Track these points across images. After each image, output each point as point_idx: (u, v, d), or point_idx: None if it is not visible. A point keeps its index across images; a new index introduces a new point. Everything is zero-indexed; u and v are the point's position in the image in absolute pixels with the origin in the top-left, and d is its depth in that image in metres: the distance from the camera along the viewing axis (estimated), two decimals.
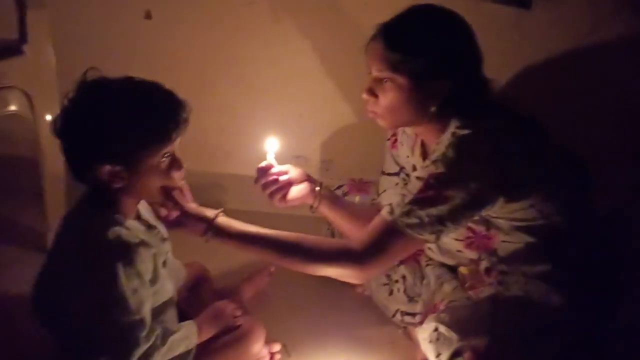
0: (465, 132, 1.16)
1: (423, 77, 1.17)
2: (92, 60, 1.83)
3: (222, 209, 1.24)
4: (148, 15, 1.81)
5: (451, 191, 1.14)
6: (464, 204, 1.15)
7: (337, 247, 1.24)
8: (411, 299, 1.50)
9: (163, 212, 1.22)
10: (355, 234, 1.38)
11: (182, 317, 1.29)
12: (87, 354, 1.12)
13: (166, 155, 1.10)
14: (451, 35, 1.19)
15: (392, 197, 1.44)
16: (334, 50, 1.82)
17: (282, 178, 1.34)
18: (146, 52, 1.83)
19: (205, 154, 1.93)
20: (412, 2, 1.22)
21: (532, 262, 1.24)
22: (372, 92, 1.22)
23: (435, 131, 1.24)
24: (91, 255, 1.09)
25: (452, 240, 1.28)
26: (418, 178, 1.20)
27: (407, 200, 1.18)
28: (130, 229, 1.13)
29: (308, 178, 1.38)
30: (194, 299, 1.44)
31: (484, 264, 1.32)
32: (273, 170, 1.34)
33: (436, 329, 1.24)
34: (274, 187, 1.33)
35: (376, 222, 1.21)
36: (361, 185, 1.65)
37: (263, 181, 1.33)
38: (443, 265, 1.44)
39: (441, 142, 1.20)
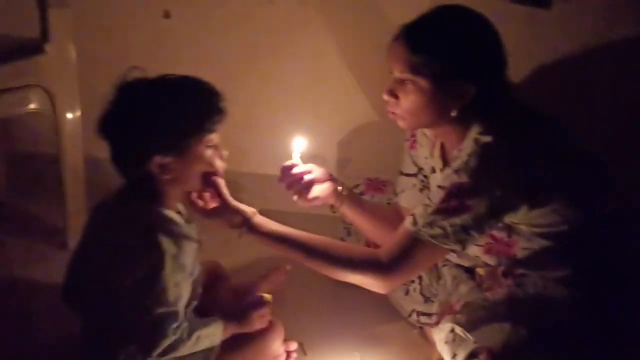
0: (488, 138, 1.15)
1: (445, 80, 1.16)
2: (112, 59, 1.88)
3: (258, 209, 1.27)
4: (167, 15, 1.82)
5: (474, 200, 1.13)
6: (488, 213, 1.14)
7: (364, 257, 1.24)
8: (427, 299, 1.50)
9: (200, 202, 1.25)
10: (375, 234, 1.38)
11: (197, 313, 1.29)
12: (115, 340, 1.16)
13: (209, 144, 1.16)
14: (476, 38, 1.17)
15: (410, 198, 1.44)
16: (352, 50, 1.82)
17: (306, 177, 1.33)
18: (165, 52, 1.85)
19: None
20: (436, 2, 1.21)
21: (551, 266, 1.23)
22: (393, 93, 1.21)
23: (455, 134, 1.23)
24: (140, 245, 1.12)
25: (472, 246, 1.27)
26: (440, 187, 1.18)
27: (429, 210, 1.17)
28: (177, 222, 1.18)
29: (331, 177, 1.37)
30: (210, 296, 1.45)
31: (501, 268, 1.31)
32: (297, 169, 1.33)
33: (452, 330, 1.23)
34: (298, 186, 1.32)
35: (400, 232, 1.21)
36: (378, 185, 1.64)
37: (287, 180, 1.33)
38: (459, 266, 1.43)
39: (463, 150, 1.18)
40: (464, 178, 1.14)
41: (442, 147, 1.35)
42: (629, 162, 1.54)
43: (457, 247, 1.17)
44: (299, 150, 1.33)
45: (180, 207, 1.27)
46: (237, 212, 1.24)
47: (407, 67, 1.17)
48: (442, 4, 1.21)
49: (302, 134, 1.33)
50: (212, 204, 1.24)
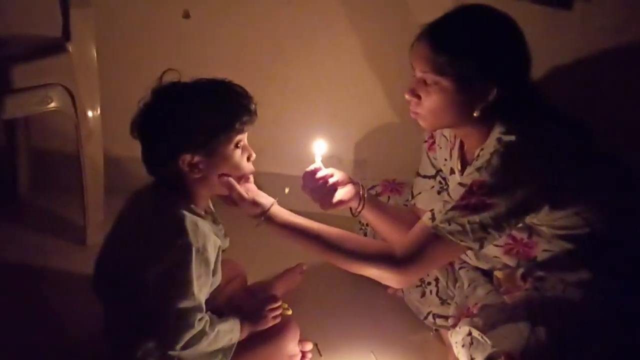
0: (511, 138, 1.14)
1: (468, 80, 1.15)
2: (132, 59, 1.89)
3: (277, 198, 1.28)
4: (186, 15, 1.83)
5: (495, 199, 1.12)
6: (508, 212, 1.13)
7: (379, 250, 1.24)
8: (444, 302, 1.49)
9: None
10: (394, 237, 1.37)
11: (214, 312, 1.30)
12: (138, 332, 1.18)
13: (239, 144, 1.19)
14: (499, 38, 1.16)
15: (427, 200, 1.43)
16: (369, 50, 1.82)
17: (330, 181, 1.32)
18: (184, 51, 1.86)
19: None
20: (459, 1, 1.20)
21: (572, 270, 1.21)
22: (415, 93, 1.21)
23: (477, 134, 1.23)
24: (169, 237, 1.14)
25: (491, 246, 1.26)
26: (461, 184, 1.18)
27: (448, 206, 1.16)
28: (204, 220, 1.20)
29: (351, 180, 1.37)
30: (226, 295, 1.46)
31: (520, 270, 1.29)
32: (320, 174, 1.32)
33: (469, 334, 1.22)
34: (322, 191, 1.31)
35: (417, 227, 1.21)
36: (395, 186, 1.64)
37: (311, 185, 1.31)
38: (477, 268, 1.42)
39: (485, 148, 1.17)
40: (485, 176, 1.14)
41: (461, 148, 1.34)
42: None
43: (474, 245, 1.16)
44: (320, 153, 1.32)
45: (211, 207, 1.29)
46: (256, 204, 1.25)
47: (430, 66, 1.16)
48: (466, 4, 1.20)
49: (321, 137, 1.33)
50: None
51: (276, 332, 1.34)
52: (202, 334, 1.18)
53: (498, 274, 1.36)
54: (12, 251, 1.73)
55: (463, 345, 1.23)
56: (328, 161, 1.35)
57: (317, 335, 1.48)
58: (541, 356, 1.15)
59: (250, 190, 1.26)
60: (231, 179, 1.21)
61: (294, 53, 1.85)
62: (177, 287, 1.14)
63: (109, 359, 1.28)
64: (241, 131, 1.18)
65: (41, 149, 1.99)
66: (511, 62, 1.17)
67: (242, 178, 1.23)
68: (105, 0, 1.75)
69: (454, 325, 1.30)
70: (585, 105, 1.41)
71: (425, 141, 1.46)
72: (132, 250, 1.19)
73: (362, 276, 1.29)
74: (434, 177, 1.45)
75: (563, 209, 1.16)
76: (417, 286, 1.53)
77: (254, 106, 1.18)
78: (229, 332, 1.24)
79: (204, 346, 1.20)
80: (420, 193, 1.47)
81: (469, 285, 1.40)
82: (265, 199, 1.26)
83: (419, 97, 1.21)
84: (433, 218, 1.18)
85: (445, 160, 1.40)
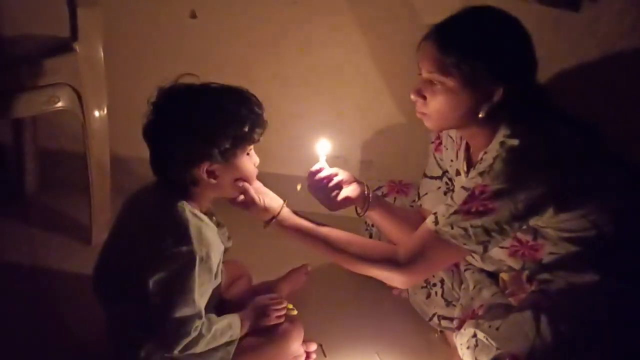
0: (514, 142, 1.14)
1: (474, 81, 1.15)
2: (139, 59, 1.90)
3: (286, 200, 1.29)
4: (193, 15, 1.84)
5: (497, 203, 1.13)
6: (511, 216, 1.13)
7: (383, 253, 1.25)
8: (449, 303, 1.48)
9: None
10: (399, 237, 1.37)
11: (218, 311, 1.30)
12: (138, 336, 1.19)
13: (249, 152, 1.22)
14: (505, 39, 1.16)
15: (433, 201, 1.43)
16: (375, 51, 1.82)
17: (335, 180, 1.33)
18: (191, 51, 1.86)
19: None
20: (460, 3, 1.20)
21: (578, 272, 1.21)
22: (420, 94, 1.21)
23: (483, 135, 1.22)
24: (173, 245, 1.14)
25: (497, 248, 1.25)
26: (464, 188, 1.18)
27: (452, 210, 1.17)
28: (209, 224, 1.20)
29: (356, 180, 1.37)
30: (231, 295, 1.46)
31: (525, 273, 1.29)
32: (324, 173, 1.32)
33: (475, 335, 1.22)
34: (327, 191, 1.32)
35: (421, 230, 1.22)
36: (401, 187, 1.64)
37: (316, 184, 1.32)
38: (483, 270, 1.42)
39: (489, 152, 1.17)
40: (488, 181, 1.14)
41: (467, 149, 1.34)
42: None
43: (478, 249, 1.16)
44: (324, 153, 1.33)
45: (212, 210, 1.29)
46: (266, 210, 1.26)
47: (436, 67, 1.17)
48: (472, 5, 1.20)
49: (325, 136, 1.33)
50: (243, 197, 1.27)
51: (280, 333, 1.34)
52: (198, 337, 1.18)
53: (504, 275, 1.36)
54: (18, 250, 1.73)
55: (468, 347, 1.23)
56: (334, 161, 1.36)
57: (322, 336, 1.48)
58: (547, 358, 1.15)
59: (259, 190, 1.27)
60: (247, 184, 1.23)
61: (299, 53, 1.85)
62: (178, 295, 1.14)
63: (113, 358, 1.28)
64: (257, 141, 1.20)
65: (48, 149, 2.00)
66: (517, 63, 1.17)
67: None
68: (112, 1, 1.75)
69: (459, 327, 1.30)
70: (594, 107, 1.40)
71: (432, 142, 1.46)
72: (133, 255, 1.18)
73: (367, 277, 1.30)
74: (440, 177, 1.45)
75: (569, 212, 1.16)
76: (422, 287, 1.52)
77: (265, 116, 1.20)
78: (228, 329, 1.25)
79: (202, 347, 1.20)
80: (426, 194, 1.47)
81: (474, 287, 1.40)
82: (274, 202, 1.28)
83: (424, 98, 1.21)
84: (436, 221, 1.18)
85: (452, 161, 1.40)
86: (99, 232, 1.73)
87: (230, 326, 1.25)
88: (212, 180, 1.18)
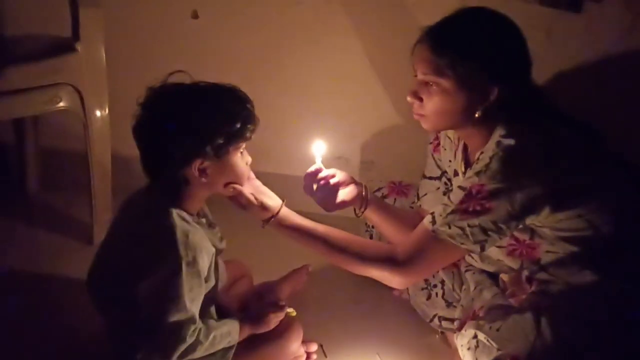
0: (510, 141, 1.14)
1: (469, 81, 1.16)
2: (140, 59, 1.90)
3: (285, 199, 1.29)
4: (195, 15, 1.84)
5: (494, 203, 1.13)
6: (508, 215, 1.14)
7: (382, 253, 1.25)
8: (449, 304, 1.48)
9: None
10: (398, 238, 1.37)
11: (220, 312, 1.31)
12: (133, 343, 1.18)
13: (241, 150, 1.20)
14: (499, 39, 1.17)
15: (432, 201, 1.43)
16: (377, 51, 1.82)
17: (332, 181, 1.33)
18: (192, 51, 1.87)
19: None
20: (460, 4, 1.20)
21: (577, 273, 1.20)
22: (417, 96, 1.22)
23: (479, 136, 1.23)
24: (158, 250, 1.14)
25: (494, 248, 1.26)
26: (460, 187, 1.18)
27: (449, 209, 1.17)
28: (197, 227, 1.19)
29: (353, 181, 1.37)
30: (232, 295, 1.46)
31: (525, 273, 1.29)
32: (321, 174, 1.32)
33: (475, 336, 1.22)
34: (324, 192, 1.31)
35: (418, 230, 1.22)
36: (401, 188, 1.64)
37: (313, 186, 1.32)
38: (483, 271, 1.41)
39: (485, 152, 1.17)
40: (484, 180, 1.14)
41: (465, 149, 1.34)
42: None
43: (475, 248, 1.17)
44: (320, 154, 1.32)
45: (206, 210, 1.29)
46: (264, 208, 1.26)
47: (431, 68, 1.17)
48: (466, 6, 1.21)
49: (321, 137, 1.33)
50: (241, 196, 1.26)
51: (280, 333, 1.34)
52: (196, 343, 1.18)
53: (504, 276, 1.36)
54: (20, 249, 1.74)
55: (469, 348, 1.23)
56: (336, 162, 1.35)
57: (322, 336, 1.48)
58: (547, 359, 1.14)
59: (258, 190, 1.27)
60: (238, 186, 1.22)
61: (302, 54, 1.85)
62: (168, 301, 1.13)
63: (113, 359, 1.29)
64: (249, 138, 1.19)
65: (50, 148, 2.00)
66: (511, 63, 1.18)
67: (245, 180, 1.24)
68: (114, 1, 1.75)
69: (460, 328, 1.29)
70: (594, 108, 1.40)
71: (430, 143, 1.46)
72: (124, 262, 1.18)
73: (367, 278, 1.30)
74: (439, 178, 1.45)
75: (565, 211, 1.16)
76: (423, 289, 1.52)
77: (256, 112, 1.19)
78: (227, 335, 1.24)
79: (200, 353, 1.20)
80: (426, 194, 1.47)
81: (475, 288, 1.39)
82: (273, 201, 1.27)
83: (420, 99, 1.21)
84: (434, 221, 1.19)
85: (450, 161, 1.40)
86: (100, 232, 1.72)
87: (229, 333, 1.25)
88: (204, 179, 1.16)
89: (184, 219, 1.17)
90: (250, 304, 1.42)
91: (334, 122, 1.91)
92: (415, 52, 1.21)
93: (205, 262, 1.18)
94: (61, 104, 1.58)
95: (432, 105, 1.20)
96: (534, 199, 1.13)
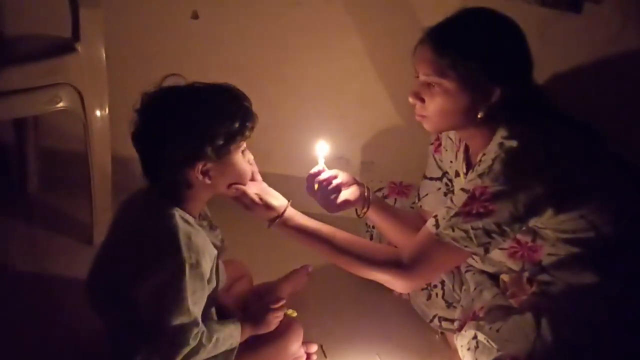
0: (513, 143, 1.14)
1: (471, 82, 1.16)
2: (140, 59, 1.90)
3: (290, 200, 1.28)
4: (195, 16, 1.84)
5: (497, 205, 1.13)
6: (511, 217, 1.13)
7: (386, 256, 1.25)
8: (450, 305, 1.48)
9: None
10: (399, 239, 1.37)
11: (219, 312, 1.31)
12: (132, 345, 1.17)
13: (242, 150, 1.20)
14: (500, 39, 1.17)
15: (433, 202, 1.43)
16: (378, 52, 1.82)
17: (334, 182, 1.32)
18: (192, 52, 1.87)
19: None
20: (461, 5, 1.20)
21: (578, 273, 1.20)
22: (418, 97, 1.21)
23: (481, 137, 1.23)
24: (161, 251, 1.13)
25: (496, 250, 1.25)
26: (463, 190, 1.18)
27: (452, 212, 1.16)
28: (199, 229, 1.19)
29: (356, 181, 1.37)
30: (232, 295, 1.46)
31: (525, 274, 1.29)
32: (324, 175, 1.32)
33: (475, 337, 1.22)
34: (326, 193, 1.31)
35: (422, 234, 1.22)
36: (401, 189, 1.64)
37: (315, 187, 1.32)
38: (483, 272, 1.41)
39: (487, 153, 1.17)
40: (487, 182, 1.14)
41: (466, 150, 1.34)
42: None
43: (479, 251, 1.16)
44: (323, 155, 1.32)
45: (207, 212, 1.29)
46: (269, 208, 1.25)
47: (433, 69, 1.17)
48: (466, 7, 1.20)
49: (324, 138, 1.33)
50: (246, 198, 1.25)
51: (280, 333, 1.34)
52: (199, 347, 1.17)
53: (504, 277, 1.35)
54: (19, 249, 1.74)
55: (469, 349, 1.23)
56: (336, 162, 1.35)
57: (322, 336, 1.48)
58: None
59: (263, 190, 1.26)
60: (241, 187, 1.22)
61: (303, 55, 1.85)
62: (171, 304, 1.13)
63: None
64: (248, 136, 1.18)
65: (50, 148, 2.00)
66: (513, 63, 1.17)
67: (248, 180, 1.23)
68: (114, 1, 1.75)
69: (460, 329, 1.30)
70: (594, 108, 1.40)
71: (432, 143, 1.46)
72: (125, 264, 1.17)
73: (368, 278, 1.29)
74: (440, 179, 1.45)
75: (567, 212, 1.16)
76: (423, 289, 1.52)
77: (254, 109, 1.18)
78: (229, 337, 1.24)
79: (203, 356, 1.19)
80: (426, 195, 1.47)
81: (475, 289, 1.39)
82: (278, 202, 1.27)
83: (422, 101, 1.21)
84: (437, 225, 1.18)
85: (451, 162, 1.40)
86: (100, 232, 1.72)
87: (231, 335, 1.24)
88: (207, 181, 1.16)
89: (186, 221, 1.17)
90: (251, 305, 1.41)
91: (334, 122, 1.91)
92: (417, 53, 1.21)
93: (207, 264, 1.17)
94: (61, 104, 1.58)
95: (434, 107, 1.20)
96: (537, 200, 1.13)
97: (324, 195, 1.31)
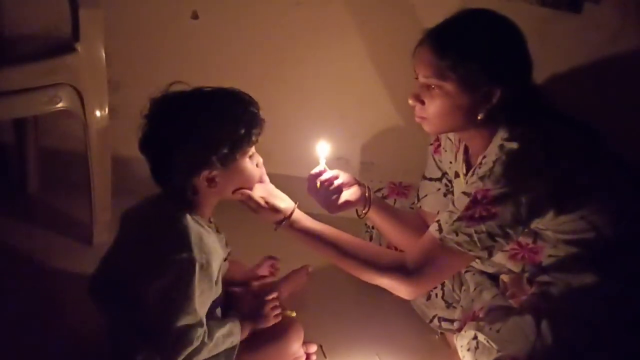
0: (513, 145, 1.14)
1: (471, 83, 1.15)
2: (140, 59, 1.90)
3: (297, 202, 1.28)
4: (195, 16, 1.84)
5: (500, 207, 1.12)
6: (514, 220, 1.13)
7: (391, 262, 1.24)
8: (449, 305, 1.48)
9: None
10: (400, 240, 1.37)
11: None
12: (134, 343, 1.18)
13: (250, 155, 1.19)
14: (500, 41, 1.17)
15: (432, 203, 1.43)
16: (377, 52, 1.82)
17: (335, 183, 1.32)
18: (192, 52, 1.87)
19: None
20: (461, 5, 1.20)
21: (578, 274, 1.21)
22: (418, 98, 1.21)
23: (481, 138, 1.23)
24: (173, 251, 1.13)
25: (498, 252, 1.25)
26: (464, 193, 1.18)
27: (454, 217, 1.16)
28: (209, 231, 1.20)
29: (357, 182, 1.37)
30: (232, 296, 1.46)
31: (526, 274, 1.29)
32: (325, 176, 1.32)
33: (475, 337, 1.22)
34: (328, 194, 1.31)
35: (425, 239, 1.21)
36: (401, 189, 1.64)
37: (316, 187, 1.32)
38: (483, 272, 1.41)
39: (488, 156, 1.17)
40: (489, 185, 1.13)
41: (466, 151, 1.34)
42: None
43: (483, 254, 1.16)
44: (324, 155, 1.32)
45: (212, 216, 1.28)
46: (276, 210, 1.25)
47: (433, 71, 1.17)
48: (466, 8, 1.20)
49: (325, 138, 1.33)
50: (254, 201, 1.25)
51: (279, 334, 1.34)
52: (201, 346, 1.17)
53: (504, 277, 1.35)
54: (19, 249, 1.73)
55: (468, 349, 1.23)
56: (336, 163, 1.35)
57: (322, 337, 1.48)
58: None
59: (269, 192, 1.26)
60: (247, 191, 1.22)
61: (302, 55, 1.85)
62: (178, 303, 1.13)
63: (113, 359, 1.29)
64: (255, 142, 1.18)
65: (50, 148, 2.00)
66: (512, 64, 1.17)
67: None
68: (114, 1, 1.75)
69: (460, 329, 1.30)
70: (594, 108, 1.40)
71: (431, 144, 1.46)
72: (134, 263, 1.18)
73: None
74: (439, 179, 1.45)
75: (568, 213, 1.16)
76: None
77: (261, 114, 1.18)
78: (229, 335, 1.24)
79: (204, 355, 1.20)
80: (426, 196, 1.47)
81: (475, 289, 1.39)
82: (285, 204, 1.26)
83: (422, 102, 1.21)
84: (440, 229, 1.18)
85: (451, 163, 1.40)
86: (100, 232, 1.73)
87: (231, 332, 1.24)
88: (213, 188, 1.16)
89: (197, 222, 1.17)
90: (251, 305, 1.41)
91: (334, 122, 1.91)
92: (417, 55, 1.21)
93: (216, 266, 1.18)
94: (61, 104, 1.58)
95: (434, 108, 1.19)
96: (539, 201, 1.13)
97: (325, 195, 1.31)
